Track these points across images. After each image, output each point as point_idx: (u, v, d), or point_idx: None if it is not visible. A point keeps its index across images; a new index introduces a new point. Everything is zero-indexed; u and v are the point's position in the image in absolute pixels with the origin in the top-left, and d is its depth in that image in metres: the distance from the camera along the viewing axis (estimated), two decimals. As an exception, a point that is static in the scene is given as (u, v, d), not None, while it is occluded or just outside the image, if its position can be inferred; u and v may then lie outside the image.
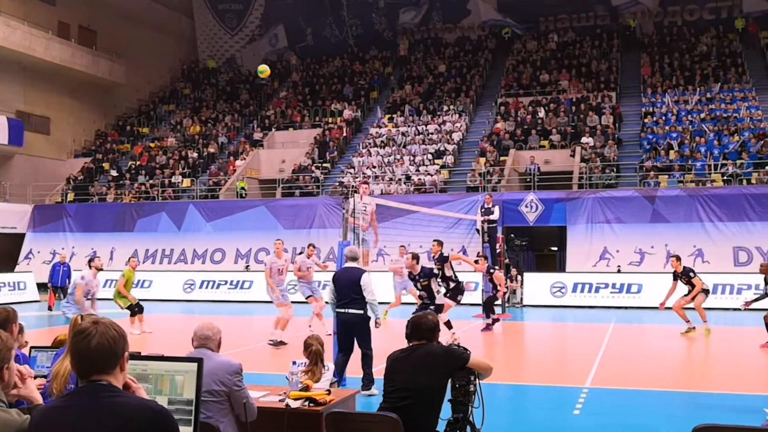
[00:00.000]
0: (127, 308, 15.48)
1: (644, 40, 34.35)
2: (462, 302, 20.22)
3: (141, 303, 15.81)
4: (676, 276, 15.12)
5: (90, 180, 31.52)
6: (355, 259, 9.21)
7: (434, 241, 14.83)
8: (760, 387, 9.43)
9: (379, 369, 7.00)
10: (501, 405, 8.80)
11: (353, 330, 8.92)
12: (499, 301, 16.86)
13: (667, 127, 26.14)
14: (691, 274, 14.93)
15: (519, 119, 28.87)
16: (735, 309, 18.42)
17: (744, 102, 27.20)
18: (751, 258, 21.05)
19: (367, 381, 8.83)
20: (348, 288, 8.89)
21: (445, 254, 13.73)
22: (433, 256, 13.56)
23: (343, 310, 8.93)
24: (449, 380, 5.04)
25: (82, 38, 35.12)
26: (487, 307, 15.97)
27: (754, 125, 25.34)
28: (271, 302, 14.12)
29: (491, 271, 16.25)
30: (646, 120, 27.23)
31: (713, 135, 25.06)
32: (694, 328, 14.77)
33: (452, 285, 13.25)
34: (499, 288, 16.05)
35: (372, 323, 9.09)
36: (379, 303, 9.58)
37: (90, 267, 14.61)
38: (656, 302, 20.20)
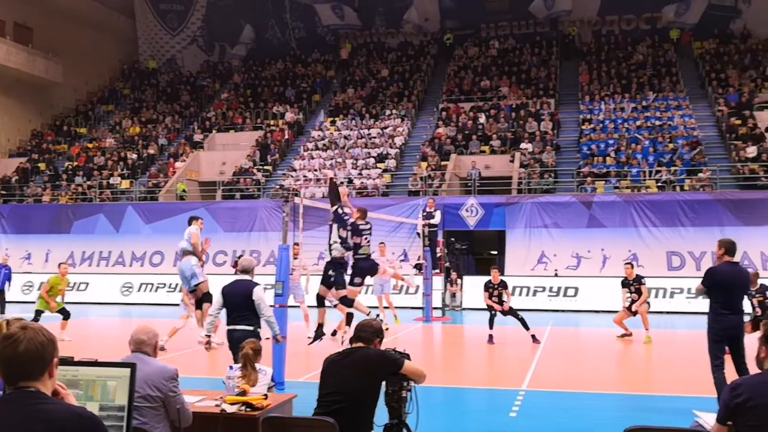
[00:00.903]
0: (59, 311, 15.10)
1: (583, 49, 35.13)
2: (404, 305, 20.53)
3: (67, 309, 15.28)
4: (626, 283, 15.06)
5: (25, 180, 30.60)
6: (247, 271, 8.52)
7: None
8: (691, 389, 9.76)
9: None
10: (438, 408, 8.89)
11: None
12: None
13: (603, 134, 26.81)
14: (643, 281, 14.95)
15: (460, 124, 29.20)
16: None
17: (678, 110, 28.07)
18: (684, 262, 21.76)
19: None
20: (239, 303, 8.18)
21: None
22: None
23: (232, 327, 8.21)
24: (383, 385, 5.09)
25: (18, 35, 34.07)
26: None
27: (688, 133, 26.18)
28: None
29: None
30: (583, 127, 27.85)
31: (648, 142, 25.79)
32: (630, 334, 14.96)
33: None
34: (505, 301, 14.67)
35: (271, 340, 8.57)
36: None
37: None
38: (592, 305, 20.91)
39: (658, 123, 27.16)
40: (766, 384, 3.95)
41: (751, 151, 24.31)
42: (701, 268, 20.76)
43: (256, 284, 8.27)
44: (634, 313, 14.79)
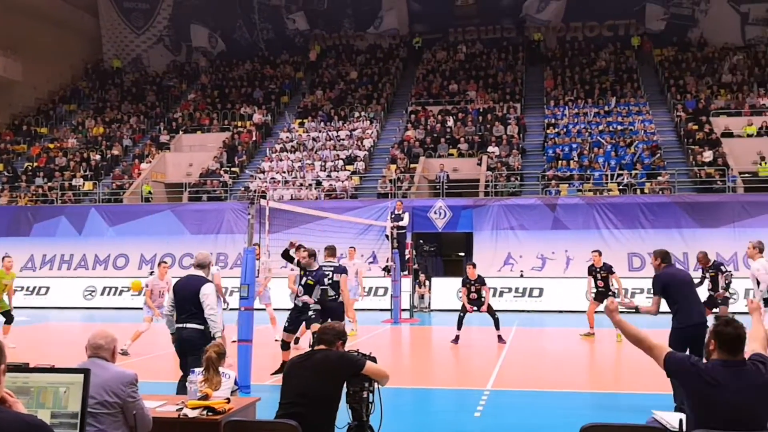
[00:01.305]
0: (2, 314, 14.13)
1: (548, 54, 35.57)
2: (372, 307, 20.58)
3: (11, 313, 14.34)
4: (593, 270, 15.06)
5: (-19, 181, 30.03)
6: (203, 266, 8.03)
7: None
8: (650, 386, 9.92)
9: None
10: (404, 409, 8.96)
11: (190, 349, 7.60)
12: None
13: (567, 138, 27.17)
14: (612, 270, 14.96)
15: (429, 127, 29.36)
16: None
17: (639, 116, 28.60)
18: (644, 263, 22.11)
19: None
20: (187, 300, 7.73)
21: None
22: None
23: (182, 325, 7.78)
24: (344, 386, 5.13)
25: (-26, 32, 33.44)
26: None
27: (648, 138, 26.70)
28: None
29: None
30: (548, 131, 28.21)
31: (610, 146, 26.23)
32: (593, 334, 15.08)
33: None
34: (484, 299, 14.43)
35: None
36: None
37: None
38: (557, 306, 21.17)
39: (619, 128, 27.65)
40: (715, 371, 4.14)
41: (708, 155, 24.89)
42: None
43: (208, 281, 7.89)
44: (602, 301, 14.68)
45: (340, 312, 10.86)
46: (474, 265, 15.14)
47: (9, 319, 14.23)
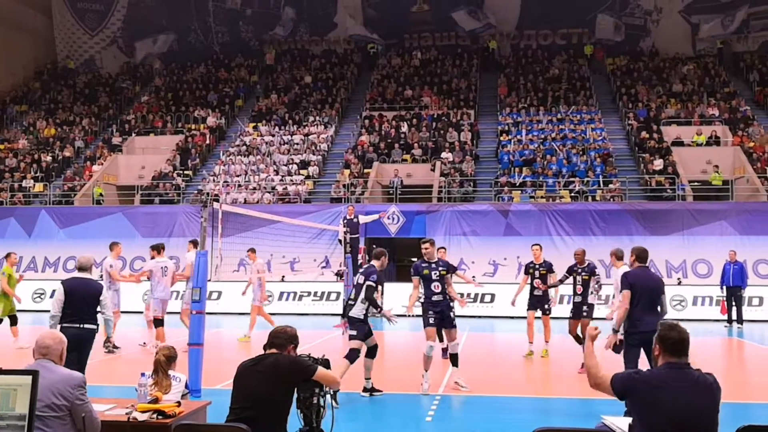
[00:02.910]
0: (8, 315, 14.19)
1: (502, 61, 36.05)
2: (324, 312, 20.59)
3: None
4: (531, 268, 13.35)
5: (-73, 182, 29.19)
6: (85, 268, 8.61)
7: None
8: (599, 392, 10.12)
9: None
10: (355, 413, 9.02)
11: (82, 347, 8.27)
12: None
13: (520, 146, 27.58)
14: (553, 269, 13.35)
15: (383, 133, 29.50)
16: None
17: (591, 124, 29.17)
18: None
19: None
20: (86, 301, 8.37)
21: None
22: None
23: (78, 325, 8.25)
24: (295, 391, 5.16)
25: None
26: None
27: (599, 146, 27.25)
28: None
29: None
30: (502, 137, 28.59)
31: (563, 154, 26.70)
32: (533, 352, 13.39)
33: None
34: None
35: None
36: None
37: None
38: (508, 312, 21.36)
39: (572, 135, 28.14)
40: (660, 374, 4.20)
41: (658, 163, 25.52)
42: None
43: (102, 284, 8.90)
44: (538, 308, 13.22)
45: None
46: (445, 249, 13.52)
47: (14, 320, 14.59)
